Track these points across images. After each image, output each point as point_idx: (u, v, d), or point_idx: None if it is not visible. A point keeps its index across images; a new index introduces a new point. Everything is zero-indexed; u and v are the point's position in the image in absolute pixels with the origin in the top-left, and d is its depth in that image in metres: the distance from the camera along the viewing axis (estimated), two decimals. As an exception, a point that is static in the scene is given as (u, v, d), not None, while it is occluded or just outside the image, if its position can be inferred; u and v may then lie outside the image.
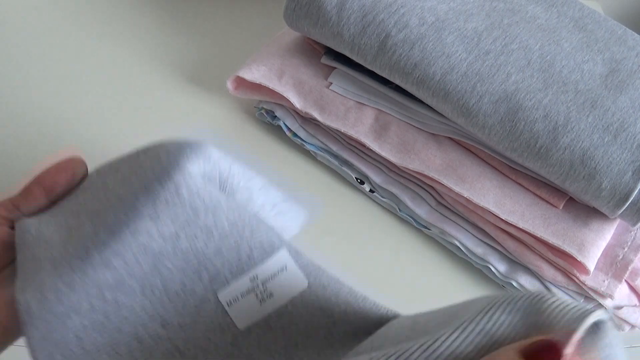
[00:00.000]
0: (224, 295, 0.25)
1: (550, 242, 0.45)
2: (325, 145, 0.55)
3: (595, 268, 0.45)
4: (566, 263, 0.45)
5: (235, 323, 0.25)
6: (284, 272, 0.27)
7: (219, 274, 0.26)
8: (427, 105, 0.50)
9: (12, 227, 0.27)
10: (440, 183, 0.49)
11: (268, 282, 0.26)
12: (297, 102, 0.53)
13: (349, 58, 0.52)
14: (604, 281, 0.45)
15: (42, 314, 0.25)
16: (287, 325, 0.26)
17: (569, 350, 0.21)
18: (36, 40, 0.65)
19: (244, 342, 0.25)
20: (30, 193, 0.28)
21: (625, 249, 0.47)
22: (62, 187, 0.28)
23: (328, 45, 0.52)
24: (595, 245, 0.45)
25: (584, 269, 0.45)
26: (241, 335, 0.25)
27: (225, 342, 0.25)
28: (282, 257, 0.27)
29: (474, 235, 0.50)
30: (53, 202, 0.28)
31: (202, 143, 0.32)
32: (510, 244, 0.48)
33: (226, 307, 0.25)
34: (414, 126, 0.51)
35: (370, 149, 0.52)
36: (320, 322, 0.27)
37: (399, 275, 0.50)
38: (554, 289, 0.47)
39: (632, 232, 0.48)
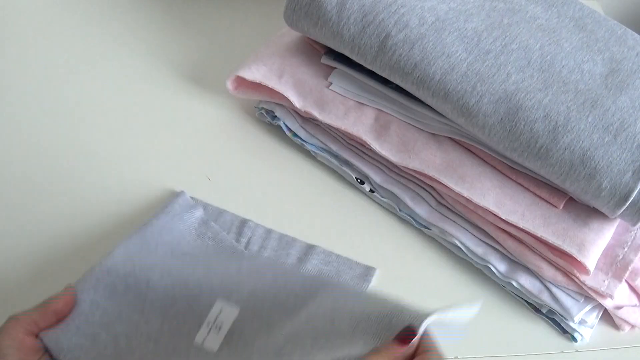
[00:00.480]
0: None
1: (550, 242, 0.45)
2: (325, 145, 0.55)
3: (595, 268, 0.45)
4: (566, 263, 0.45)
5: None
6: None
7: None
8: (427, 105, 0.50)
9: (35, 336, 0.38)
10: (440, 183, 0.49)
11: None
12: (297, 102, 0.53)
13: (349, 58, 0.52)
14: (604, 281, 0.45)
15: None
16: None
17: (421, 330, 0.31)
18: (36, 40, 0.65)
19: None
20: (46, 316, 0.39)
21: (625, 249, 0.47)
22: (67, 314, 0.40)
23: (328, 45, 0.52)
24: (595, 245, 0.45)
25: (584, 269, 0.45)
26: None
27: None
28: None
29: (474, 235, 0.50)
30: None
31: None
32: (510, 244, 0.48)
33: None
34: (414, 126, 0.51)
35: (371, 149, 0.52)
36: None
37: (399, 275, 0.50)
38: (554, 289, 0.47)
39: (632, 232, 0.48)
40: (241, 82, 0.56)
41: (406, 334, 0.32)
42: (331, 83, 0.54)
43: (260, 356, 0.35)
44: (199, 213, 0.49)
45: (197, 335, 0.38)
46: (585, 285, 0.45)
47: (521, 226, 0.46)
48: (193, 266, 0.42)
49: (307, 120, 0.55)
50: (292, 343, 0.35)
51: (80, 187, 0.53)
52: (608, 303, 0.46)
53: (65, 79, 0.61)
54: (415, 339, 0.31)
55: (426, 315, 0.31)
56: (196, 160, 0.56)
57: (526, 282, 0.47)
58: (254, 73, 0.54)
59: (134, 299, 0.40)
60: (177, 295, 0.40)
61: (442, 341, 0.33)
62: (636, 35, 0.50)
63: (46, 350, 0.38)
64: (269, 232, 0.50)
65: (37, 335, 0.38)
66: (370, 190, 0.54)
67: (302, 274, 0.44)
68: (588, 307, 0.46)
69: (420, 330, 0.31)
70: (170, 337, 0.38)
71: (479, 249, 0.49)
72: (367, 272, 0.49)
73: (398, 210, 0.52)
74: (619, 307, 0.46)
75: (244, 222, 0.51)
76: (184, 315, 0.39)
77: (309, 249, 0.50)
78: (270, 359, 0.35)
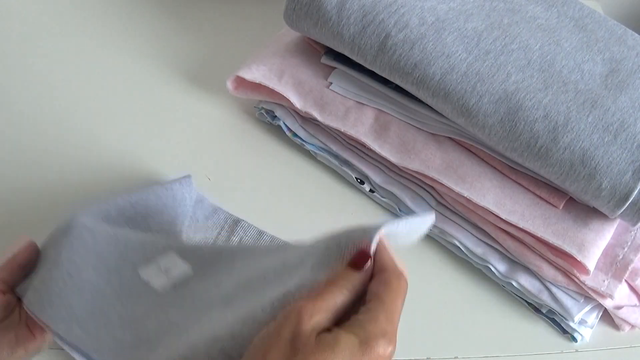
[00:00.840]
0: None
1: (550, 242, 0.45)
2: (325, 145, 0.55)
3: (595, 268, 0.45)
4: (566, 263, 0.45)
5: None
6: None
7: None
8: (427, 105, 0.50)
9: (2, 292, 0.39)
10: (440, 183, 0.49)
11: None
12: (297, 102, 0.53)
13: (349, 58, 0.52)
14: (604, 281, 0.45)
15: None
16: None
17: (372, 247, 0.29)
18: (37, 40, 0.65)
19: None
20: (13, 271, 0.40)
21: (625, 249, 0.47)
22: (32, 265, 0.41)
23: (328, 45, 0.52)
24: (595, 245, 0.45)
25: (584, 269, 0.45)
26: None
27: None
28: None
29: (474, 235, 0.50)
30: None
31: None
32: (510, 244, 0.48)
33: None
34: (414, 126, 0.51)
35: (370, 149, 0.52)
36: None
37: (399, 275, 0.50)
38: (554, 289, 0.47)
39: (632, 232, 0.48)
40: (241, 82, 0.56)
41: (360, 256, 0.30)
42: (331, 83, 0.54)
43: (207, 304, 0.36)
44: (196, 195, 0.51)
45: (143, 270, 0.40)
46: (585, 285, 0.45)
47: (521, 226, 0.46)
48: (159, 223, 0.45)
49: (307, 120, 0.55)
50: (243, 288, 0.35)
51: (80, 187, 0.53)
52: (608, 303, 0.46)
53: (64, 78, 0.61)
54: (369, 262, 0.29)
55: (375, 229, 0.29)
56: (196, 160, 0.56)
57: (526, 282, 0.47)
58: (254, 73, 0.54)
59: (101, 241, 0.41)
60: (134, 237, 0.41)
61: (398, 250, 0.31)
62: (636, 35, 0.50)
63: (19, 303, 0.39)
64: (260, 233, 0.50)
65: (5, 292, 0.39)
66: (370, 190, 0.54)
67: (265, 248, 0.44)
68: (588, 307, 0.46)
69: (372, 248, 0.29)
70: (115, 259, 0.40)
71: (479, 249, 0.49)
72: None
73: (398, 210, 0.52)
74: (619, 307, 0.46)
75: (237, 222, 0.51)
76: (133, 246, 0.41)
77: None
78: (218, 307, 0.35)
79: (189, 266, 0.39)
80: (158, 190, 0.47)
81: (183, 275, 0.39)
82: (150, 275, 0.40)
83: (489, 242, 0.49)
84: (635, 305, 0.47)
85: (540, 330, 0.48)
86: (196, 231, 0.49)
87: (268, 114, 0.57)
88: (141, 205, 0.46)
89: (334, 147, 0.54)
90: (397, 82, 0.49)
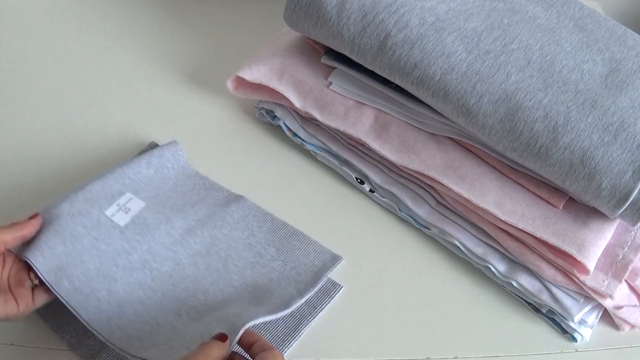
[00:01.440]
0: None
1: (550, 242, 0.45)
2: (325, 145, 0.55)
3: (595, 268, 0.45)
4: (566, 263, 0.45)
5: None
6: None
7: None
8: (427, 105, 0.50)
9: None
10: (440, 183, 0.49)
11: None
12: (297, 102, 0.53)
13: (349, 58, 0.52)
14: (604, 281, 0.45)
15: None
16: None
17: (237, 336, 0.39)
18: (37, 40, 0.65)
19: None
20: (15, 239, 0.43)
21: (625, 249, 0.47)
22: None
23: (328, 45, 0.52)
24: (595, 245, 0.45)
25: (584, 269, 0.45)
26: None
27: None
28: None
29: (474, 235, 0.50)
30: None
31: None
32: (510, 244, 0.48)
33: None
34: (414, 126, 0.51)
35: (370, 149, 0.52)
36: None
37: (399, 275, 0.50)
38: (554, 289, 0.47)
39: (632, 232, 0.48)
40: (241, 82, 0.56)
41: (222, 335, 0.38)
42: (331, 83, 0.54)
43: (159, 241, 0.47)
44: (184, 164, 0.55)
45: (107, 210, 0.47)
46: (585, 285, 0.45)
47: (521, 226, 0.46)
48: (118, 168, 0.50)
49: (307, 120, 0.55)
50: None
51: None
52: (608, 303, 0.46)
53: (65, 78, 0.62)
54: (230, 340, 0.38)
55: (241, 326, 0.39)
56: (196, 159, 0.56)
57: (526, 282, 0.47)
58: (254, 73, 0.54)
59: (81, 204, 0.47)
60: (96, 179, 0.48)
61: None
62: (636, 35, 0.50)
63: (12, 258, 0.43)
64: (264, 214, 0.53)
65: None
66: (370, 190, 0.54)
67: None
68: (588, 307, 0.46)
69: (237, 337, 0.39)
70: (83, 204, 0.46)
71: (479, 249, 0.49)
72: (335, 258, 0.50)
73: (398, 210, 0.53)
74: (618, 307, 0.46)
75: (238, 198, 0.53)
76: (97, 192, 0.48)
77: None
78: (169, 246, 0.47)
79: (143, 201, 0.49)
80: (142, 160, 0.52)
81: (139, 209, 0.48)
82: (113, 213, 0.47)
83: (489, 242, 0.49)
84: (635, 305, 0.47)
85: (540, 330, 0.48)
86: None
87: (268, 114, 0.57)
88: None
89: (334, 147, 0.54)
90: (397, 82, 0.49)
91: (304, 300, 0.46)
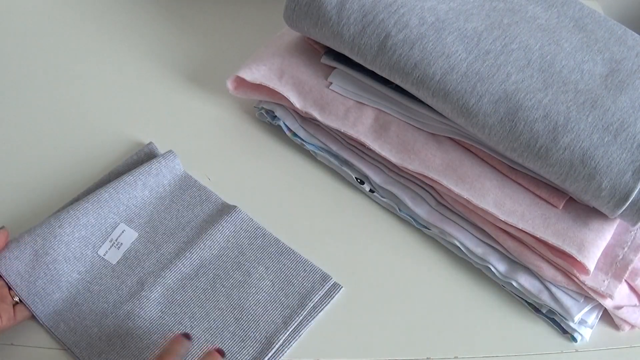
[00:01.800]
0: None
1: (550, 242, 0.45)
2: (325, 145, 0.55)
3: (595, 268, 0.45)
4: (566, 263, 0.45)
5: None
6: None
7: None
8: (427, 105, 0.50)
9: None
10: (440, 183, 0.49)
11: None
12: (297, 102, 0.53)
13: (349, 58, 0.52)
14: (604, 281, 0.45)
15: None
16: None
17: None
18: (37, 40, 0.65)
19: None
20: None
21: (625, 249, 0.47)
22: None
23: (328, 45, 0.52)
24: (595, 245, 0.45)
25: (584, 269, 0.45)
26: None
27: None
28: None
29: (474, 235, 0.50)
30: None
31: None
32: (510, 244, 0.48)
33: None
34: (414, 126, 0.51)
35: (370, 149, 0.52)
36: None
37: (399, 275, 0.50)
38: (554, 289, 0.47)
39: (632, 232, 0.48)
40: (241, 82, 0.56)
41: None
42: (331, 83, 0.54)
43: (148, 271, 0.48)
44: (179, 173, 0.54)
45: (100, 248, 0.49)
46: (585, 285, 0.45)
47: (521, 227, 0.46)
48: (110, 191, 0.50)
49: (307, 120, 0.55)
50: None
51: (80, 185, 0.53)
52: (608, 303, 0.46)
53: (64, 78, 0.61)
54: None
55: None
56: (196, 159, 0.56)
57: (526, 282, 0.47)
58: (254, 73, 0.54)
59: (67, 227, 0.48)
60: (89, 208, 0.48)
61: None
62: (636, 35, 0.50)
63: None
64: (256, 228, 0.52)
65: None
66: (370, 190, 0.54)
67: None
68: (588, 307, 0.46)
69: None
70: (78, 244, 0.48)
71: (479, 249, 0.49)
72: (324, 279, 0.49)
73: (398, 210, 0.53)
74: (618, 307, 0.46)
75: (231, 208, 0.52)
76: (92, 228, 0.48)
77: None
78: (157, 272, 0.48)
79: (136, 231, 0.50)
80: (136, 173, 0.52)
81: (131, 241, 0.50)
82: (106, 252, 0.49)
83: (489, 242, 0.49)
84: (635, 305, 0.47)
85: (540, 330, 0.48)
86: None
87: (268, 114, 0.57)
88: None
89: (334, 147, 0.54)
90: (397, 82, 0.49)
91: (287, 332, 0.46)
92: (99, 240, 0.49)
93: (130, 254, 0.49)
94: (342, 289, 0.49)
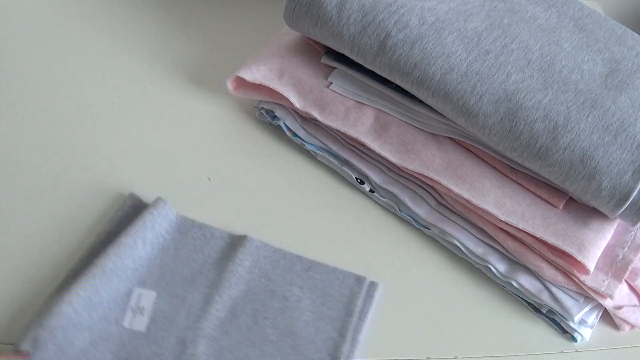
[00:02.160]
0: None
1: (550, 242, 0.45)
2: (325, 145, 0.55)
3: (595, 268, 0.45)
4: (566, 263, 0.45)
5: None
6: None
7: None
8: (427, 105, 0.50)
9: None
10: (440, 183, 0.49)
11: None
12: (297, 102, 0.53)
13: (349, 58, 0.52)
14: (604, 281, 0.45)
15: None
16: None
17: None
18: (37, 41, 0.65)
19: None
20: None
21: (625, 249, 0.47)
22: None
23: (328, 45, 0.52)
24: (595, 245, 0.45)
25: (584, 269, 0.45)
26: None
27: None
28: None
29: (474, 235, 0.50)
30: None
31: None
32: (510, 244, 0.48)
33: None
34: (414, 126, 0.51)
35: (370, 149, 0.52)
36: None
37: (399, 275, 0.50)
38: (554, 289, 0.47)
39: (632, 232, 0.48)
40: (241, 82, 0.56)
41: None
42: (331, 83, 0.54)
43: (183, 327, 0.45)
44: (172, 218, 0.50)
45: (124, 320, 0.45)
46: (585, 285, 0.45)
47: (521, 227, 0.46)
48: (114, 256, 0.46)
49: (307, 120, 0.56)
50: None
51: (77, 184, 0.53)
52: (608, 303, 0.46)
53: (63, 78, 0.61)
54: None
55: None
56: (196, 160, 0.56)
57: (526, 282, 0.47)
58: (254, 73, 0.54)
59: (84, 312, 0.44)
60: (98, 285, 0.44)
61: None
62: (636, 35, 0.50)
63: None
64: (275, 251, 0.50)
65: None
66: (370, 190, 0.54)
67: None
68: (588, 307, 0.46)
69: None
70: (100, 324, 0.44)
71: (479, 249, 0.49)
72: (360, 281, 0.49)
73: (398, 210, 0.53)
74: (618, 307, 0.46)
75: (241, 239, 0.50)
76: (108, 303, 0.45)
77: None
78: (194, 325, 0.45)
79: (153, 290, 0.47)
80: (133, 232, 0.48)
81: (153, 302, 0.46)
82: (131, 321, 0.45)
83: (489, 242, 0.49)
84: (635, 305, 0.47)
85: (540, 330, 0.48)
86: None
87: (268, 114, 0.57)
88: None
89: (334, 147, 0.54)
90: (397, 82, 0.49)
91: (349, 343, 0.45)
92: (119, 312, 0.45)
93: (157, 315, 0.45)
94: (380, 286, 0.49)
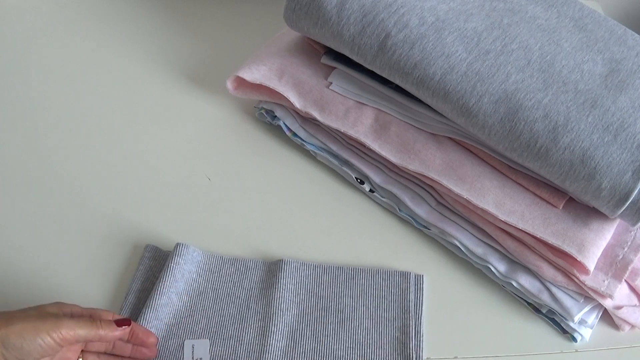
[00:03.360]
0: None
1: (550, 242, 0.45)
2: (325, 145, 0.55)
3: (595, 268, 0.45)
4: (566, 263, 0.45)
5: None
6: None
7: None
8: (427, 105, 0.50)
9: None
10: (440, 183, 0.49)
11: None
12: (297, 102, 0.53)
13: (349, 58, 0.52)
14: (603, 281, 0.45)
15: None
16: None
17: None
18: (37, 41, 0.65)
19: None
20: (94, 343, 0.42)
21: (625, 249, 0.47)
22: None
23: (328, 45, 0.52)
24: (595, 245, 0.45)
25: (584, 269, 0.45)
26: None
27: None
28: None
29: (474, 235, 0.50)
30: None
31: None
32: (510, 244, 0.48)
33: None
34: (414, 126, 0.51)
35: (370, 149, 0.52)
36: None
37: (399, 275, 0.50)
38: (554, 289, 0.47)
39: (632, 232, 0.48)
40: (241, 82, 0.56)
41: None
42: (331, 83, 0.54)
43: None
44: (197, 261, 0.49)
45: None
46: (585, 285, 0.45)
47: (521, 227, 0.46)
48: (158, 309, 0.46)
49: (307, 120, 0.56)
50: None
51: (76, 185, 0.53)
52: (608, 303, 0.46)
53: (64, 78, 0.62)
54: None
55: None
56: (196, 160, 0.56)
57: (526, 282, 0.47)
58: (254, 73, 0.54)
59: None
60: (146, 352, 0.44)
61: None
62: (636, 35, 0.50)
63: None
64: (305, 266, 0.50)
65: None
66: (370, 190, 0.54)
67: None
68: (588, 307, 0.46)
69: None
70: None
71: (479, 249, 0.49)
72: (404, 276, 0.49)
73: (398, 210, 0.53)
74: (618, 307, 0.46)
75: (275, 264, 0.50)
76: None
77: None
78: None
79: (205, 338, 0.46)
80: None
81: (208, 349, 0.45)
82: None
83: (489, 242, 0.49)
84: (635, 305, 0.47)
85: (540, 330, 0.48)
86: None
87: (268, 114, 0.57)
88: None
89: (334, 147, 0.54)
90: (397, 82, 0.49)
91: (414, 339, 0.45)
92: None
93: None
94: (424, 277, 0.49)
